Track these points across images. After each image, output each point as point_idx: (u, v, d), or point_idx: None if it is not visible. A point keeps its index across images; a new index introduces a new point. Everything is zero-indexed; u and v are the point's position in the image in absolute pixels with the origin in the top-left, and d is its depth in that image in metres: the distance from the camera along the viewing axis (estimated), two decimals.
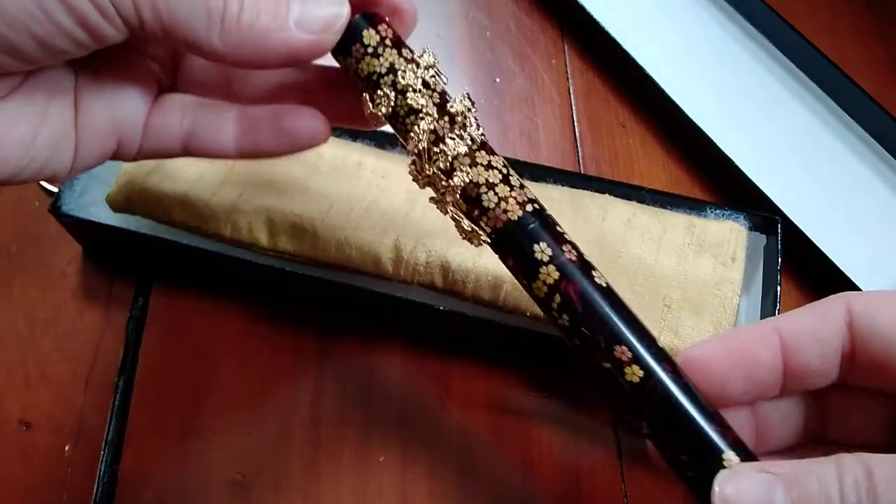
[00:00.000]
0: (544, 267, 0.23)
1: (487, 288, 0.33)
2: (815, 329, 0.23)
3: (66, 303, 0.37)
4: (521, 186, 0.24)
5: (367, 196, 0.35)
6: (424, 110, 0.24)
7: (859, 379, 0.23)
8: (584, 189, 0.37)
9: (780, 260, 0.35)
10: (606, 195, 0.37)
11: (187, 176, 0.35)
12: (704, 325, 0.33)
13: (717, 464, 0.21)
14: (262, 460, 0.33)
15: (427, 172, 0.24)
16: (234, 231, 0.34)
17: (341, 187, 0.36)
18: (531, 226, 0.23)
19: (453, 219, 0.25)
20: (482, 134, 0.24)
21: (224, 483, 0.33)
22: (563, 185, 0.37)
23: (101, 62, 0.24)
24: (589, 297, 0.23)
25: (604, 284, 0.23)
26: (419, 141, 0.24)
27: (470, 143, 0.24)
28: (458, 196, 0.24)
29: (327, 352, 0.36)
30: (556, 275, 0.23)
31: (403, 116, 0.24)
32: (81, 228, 0.36)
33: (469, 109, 0.24)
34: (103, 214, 0.36)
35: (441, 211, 0.25)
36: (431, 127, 0.24)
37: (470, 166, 0.24)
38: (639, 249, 0.35)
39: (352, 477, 0.33)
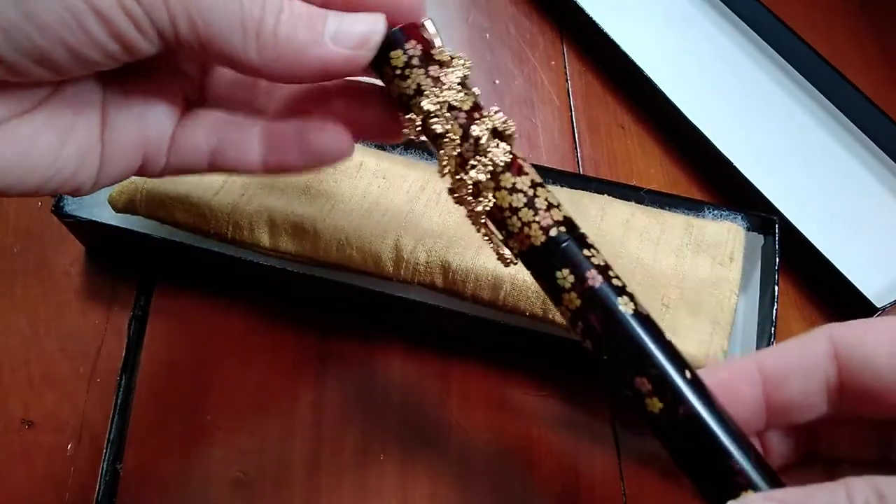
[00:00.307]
0: (566, 294, 0.23)
1: (487, 288, 0.33)
2: (797, 363, 0.22)
3: (69, 302, 0.37)
4: (549, 207, 0.23)
5: (367, 196, 0.36)
6: (448, 136, 0.24)
7: (851, 410, 0.22)
8: (582, 190, 0.37)
9: (777, 260, 0.35)
10: (605, 196, 0.37)
11: (189, 177, 0.35)
12: (702, 325, 0.33)
13: (739, 493, 0.21)
14: (264, 459, 0.34)
15: (455, 196, 0.25)
16: (235, 231, 0.35)
17: (342, 188, 0.36)
18: (556, 249, 0.23)
19: (484, 238, 0.25)
20: (510, 152, 0.24)
21: (226, 482, 0.33)
22: (562, 186, 0.37)
23: (129, 77, 0.24)
24: (611, 325, 0.22)
25: (630, 311, 0.22)
26: (445, 165, 0.24)
27: (492, 168, 0.23)
28: (482, 220, 0.24)
29: (328, 351, 0.36)
30: (577, 302, 0.23)
31: (432, 139, 0.24)
32: (84, 229, 0.36)
33: (495, 128, 0.24)
34: (106, 215, 0.36)
35: (476, 230, 0.25)
36: (455, 152, 0.24)
37: (494, 191, 0.24)
38: (637, 249, 0.35)
39: (352, 476, 0.34)
